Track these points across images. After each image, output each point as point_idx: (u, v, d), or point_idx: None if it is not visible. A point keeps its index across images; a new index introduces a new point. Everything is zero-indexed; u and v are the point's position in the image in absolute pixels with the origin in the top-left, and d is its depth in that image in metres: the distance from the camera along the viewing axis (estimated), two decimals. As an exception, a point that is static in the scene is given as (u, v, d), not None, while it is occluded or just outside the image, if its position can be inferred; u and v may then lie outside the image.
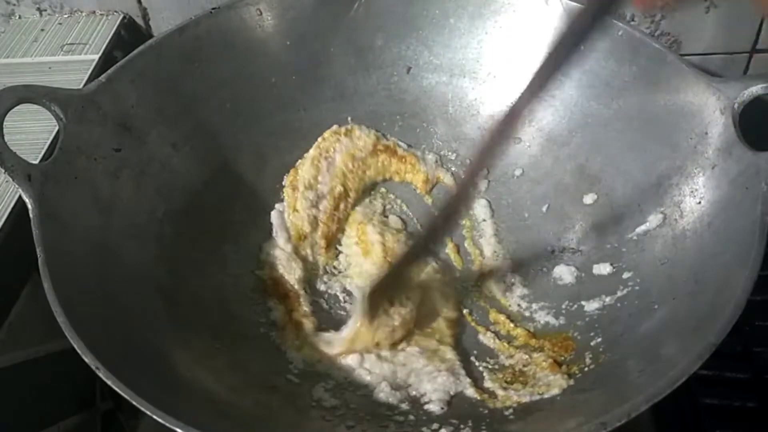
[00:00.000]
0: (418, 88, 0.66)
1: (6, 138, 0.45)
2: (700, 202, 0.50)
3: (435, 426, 0.46)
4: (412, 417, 0.48)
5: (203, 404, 0.43)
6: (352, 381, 0.51)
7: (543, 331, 0.54)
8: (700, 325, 0.41)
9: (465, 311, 0.56)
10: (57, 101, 0.49)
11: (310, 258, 0.59)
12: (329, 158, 0.62)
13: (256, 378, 0.50)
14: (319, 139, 0.63)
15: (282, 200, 0.61)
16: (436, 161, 0.65)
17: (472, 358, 0.53)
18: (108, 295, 0.46)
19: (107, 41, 0.69)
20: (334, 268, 0.60)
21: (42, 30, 0.72)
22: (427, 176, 0.64)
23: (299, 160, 0.62)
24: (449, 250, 0.61)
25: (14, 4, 0.73)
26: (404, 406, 0.49)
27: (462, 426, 0.46)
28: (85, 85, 0.61)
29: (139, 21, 0.73)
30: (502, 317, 0.55)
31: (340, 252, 0.61)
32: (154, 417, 0.37)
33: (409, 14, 0.63)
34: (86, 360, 0.39)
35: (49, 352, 0.56)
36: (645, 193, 0.55)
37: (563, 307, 0.55)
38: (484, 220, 0.62)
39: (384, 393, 0.49)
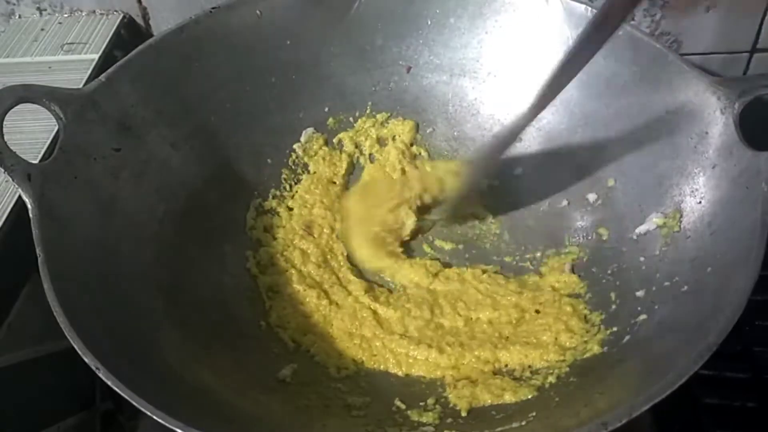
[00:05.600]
0: (419, 88, 0.66)
1: (6, 138, 0.45)
2: (700, 202, 0.50)
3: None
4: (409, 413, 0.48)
5: (203, 404, 0.43)
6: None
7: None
8: (700, 325, 0.41)
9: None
10: (57, 101, 0.49)
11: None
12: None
13: (256, 378, 0.50)
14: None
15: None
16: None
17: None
18: (108, 295, 0.46)
19: (107, 41, 0.69)
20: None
21: (42, 29, 0.72)
22: None
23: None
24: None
25: (14, 4, 0.73)
26: (400, 404, 0.49)
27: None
28: (85, 84, 0.61)
29: (139, 20, 0.73)
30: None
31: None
32: (154, 417, 0.37)
33: (409, 14, 0.63)
34: (86, 360, 0.39)
35: (49, 352, 0.56)
36: (645, 192, 0.55)
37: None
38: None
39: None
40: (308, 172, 0.64)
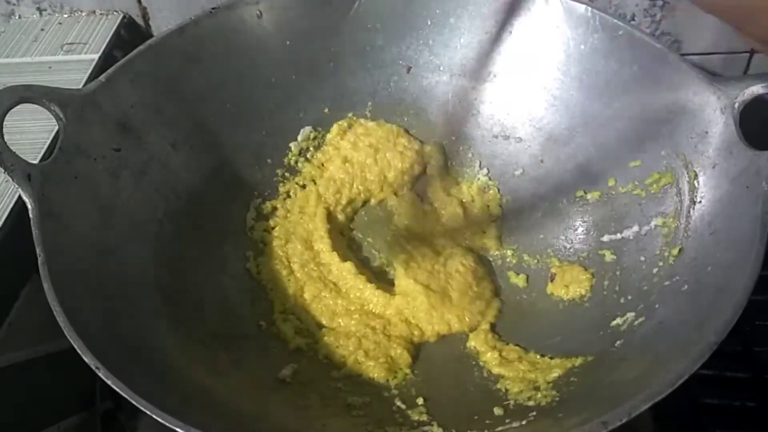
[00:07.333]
0: (419, 88, 0.66)
1: (6, 138, 0.45)
2: (700, 202, 0.50)
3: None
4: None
5: (203, 404, 0.43)
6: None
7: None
8: (701, 325, 0.41)
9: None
10: (57, 101, 0.49)
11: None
12: None
13: (256, 378, 0.50)
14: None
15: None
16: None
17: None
18: (108, 295, 0.46)
19: (107, 41, 0.69)
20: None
21: (42, 30, 0.72)
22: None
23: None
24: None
25: (14, 4, 0.73)
26: (400, 404, 0.50)
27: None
28: (84, 84, 0.61)
29: (139, 21, 0.73)
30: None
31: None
32: (154, 417, 0.37)
33: (409, 14, 0.63)
34: (86, 360, 0.39)
35: (49, 352, 0.56)
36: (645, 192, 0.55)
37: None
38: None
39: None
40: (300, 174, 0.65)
